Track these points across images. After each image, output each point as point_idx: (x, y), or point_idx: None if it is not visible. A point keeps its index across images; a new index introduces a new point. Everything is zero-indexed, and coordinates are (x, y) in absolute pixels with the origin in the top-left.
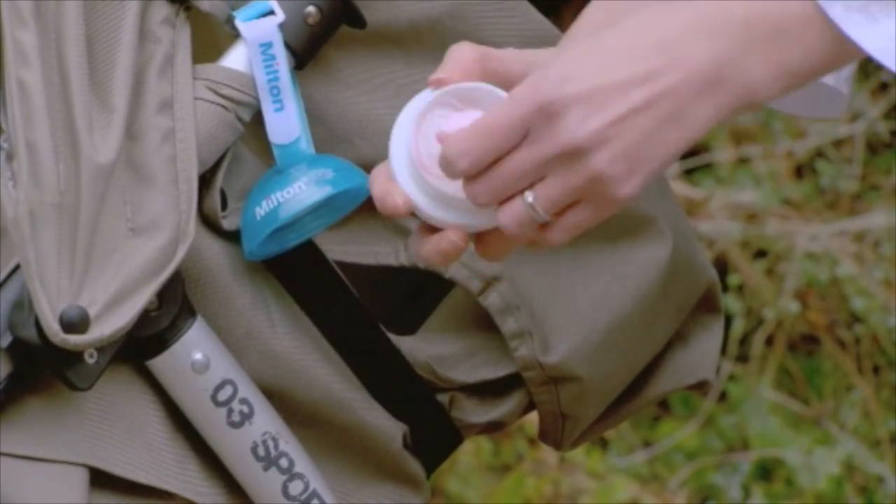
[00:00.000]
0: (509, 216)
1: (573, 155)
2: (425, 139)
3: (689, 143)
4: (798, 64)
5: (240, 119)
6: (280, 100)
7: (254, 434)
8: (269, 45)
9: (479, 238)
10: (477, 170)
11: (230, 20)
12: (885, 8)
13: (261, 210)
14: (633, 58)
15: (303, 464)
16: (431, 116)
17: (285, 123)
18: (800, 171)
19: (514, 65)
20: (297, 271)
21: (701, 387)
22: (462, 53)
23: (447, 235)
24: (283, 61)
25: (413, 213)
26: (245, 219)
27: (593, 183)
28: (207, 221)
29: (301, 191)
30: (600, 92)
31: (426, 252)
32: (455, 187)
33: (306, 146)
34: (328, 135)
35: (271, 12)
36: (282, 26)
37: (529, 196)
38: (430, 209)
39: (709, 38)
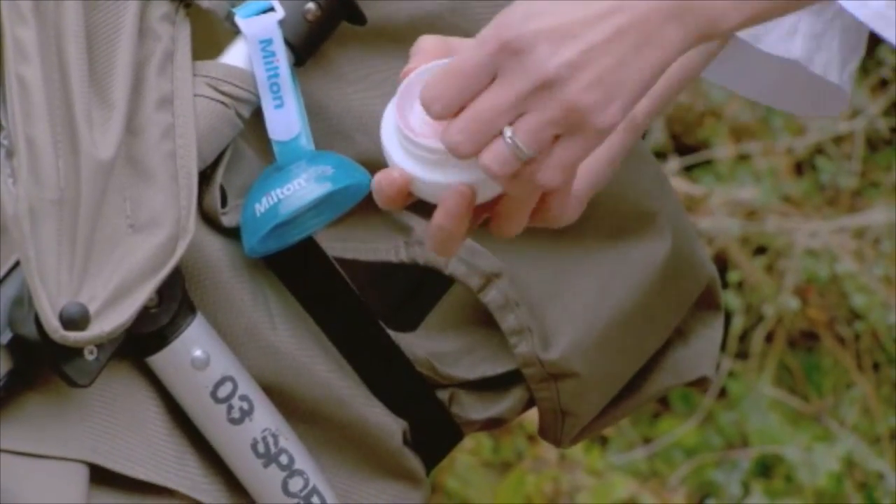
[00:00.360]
0: (492, 156)
1: (545, 87)
2: (410, 106)
3: (663, 66)
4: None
5: (239, 116)
6: (280, 96)
7: (254, 431)
8: (268, 41)
9: (492, 213)
10: (450, 112)
11: (230, 17)
12: None
13: (261, 207)
14: None
15: (303, 460)
16: (414, 88)
17: (285, 120)
18: (800, 168)
19: None
20: (297, 268)
21: (701, 383)
22: (427, 44)
23: (436, 220)
24: (282, 58)
25: (412, 194)
26: (245, 215)
27: (571, 113)
28: (207, 218)
29: (301, 187)
30: (567, 25)
31: (426, 240)
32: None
33: (306, 143)
34: (328, 131)
35: (271, 9)
36: (282, 23)
37: (508, 131)
38: (426, 174)
39: None
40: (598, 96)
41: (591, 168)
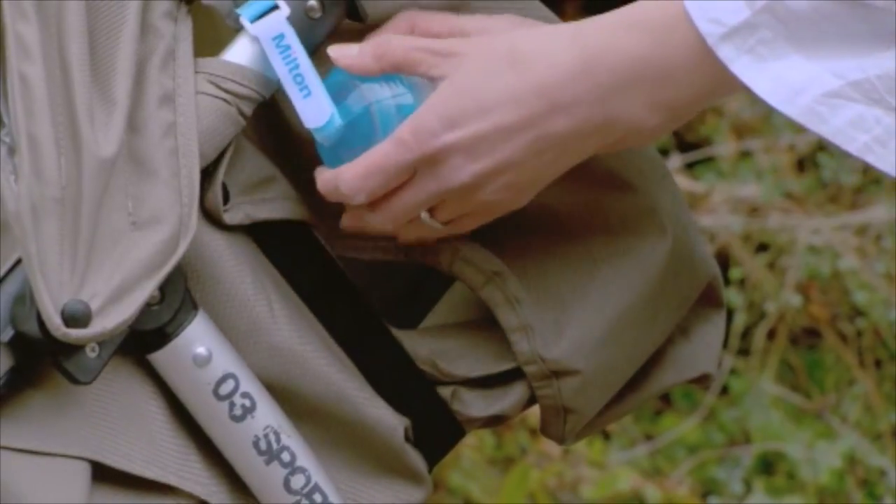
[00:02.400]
0: (413, 231)
1: (460, 191)
2: None
3: (578, 161)
4: (684, 100)
5: (241, 113)
6: (306, 85)
7: (255, 428)
8: (281, 36)
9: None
10: (372, 201)
11: (232, 14)
12: (773, 50)
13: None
14: (517, 103)
15: (304, 458)
16: None
17: (316, 106)
18: (801, 165)
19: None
20: (300, 265)
21: (703, 380)
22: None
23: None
24: (298, 48)
25: None
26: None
27: (483, 206)
28: (209, 215)
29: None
30: (481, 139)
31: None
32: None
33: (339, 118)
34: None
35: (275, 7)
36: (289, 18)
37: (426, 216)
38: None
39: (593, 87)
40: (511, 194)
41: None
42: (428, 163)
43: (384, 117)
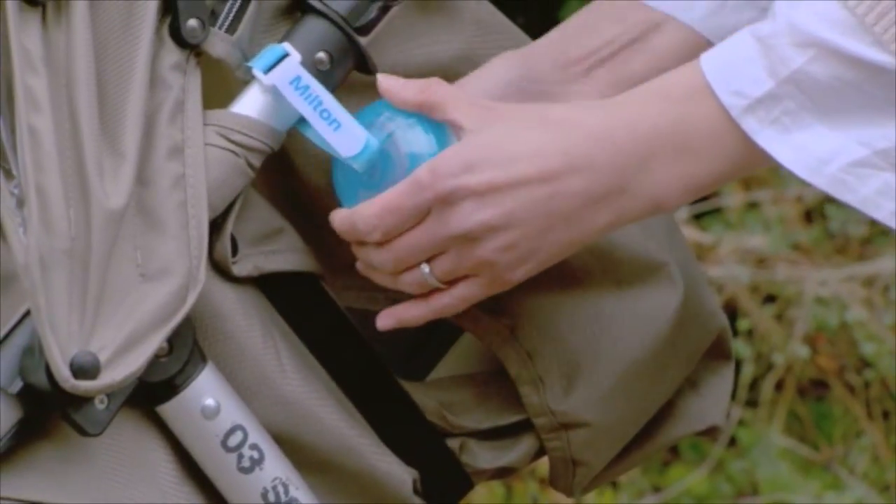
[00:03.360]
0: (410, 280)
1: (462, 240)
2: None
3: (582, 244)
4: (705, 176)
5: (250, 165)
6: (334, 119)
7: (264, 480)
8: (297, 78)
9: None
10: (386, 241)
11: (242, 67)
12: (797, 120)
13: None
14: (538, 158)
15: None
16: None
17: (349, 134)
18: (809, 216)
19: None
20: (309, 316)
21: (711, 432)
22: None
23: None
24: (317, 86)
25: None
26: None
27: (482, 265)
28: (217, 267)
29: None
30: (495, 187)
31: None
32: None
33: (374, 139)
34: None
35: (286, 55)
36: (302, 63)
37: (426, 268)
38: None
39: (614, 152)
40: (509, 258)
41: None
42: (441, 203)
43: (412, 160)
